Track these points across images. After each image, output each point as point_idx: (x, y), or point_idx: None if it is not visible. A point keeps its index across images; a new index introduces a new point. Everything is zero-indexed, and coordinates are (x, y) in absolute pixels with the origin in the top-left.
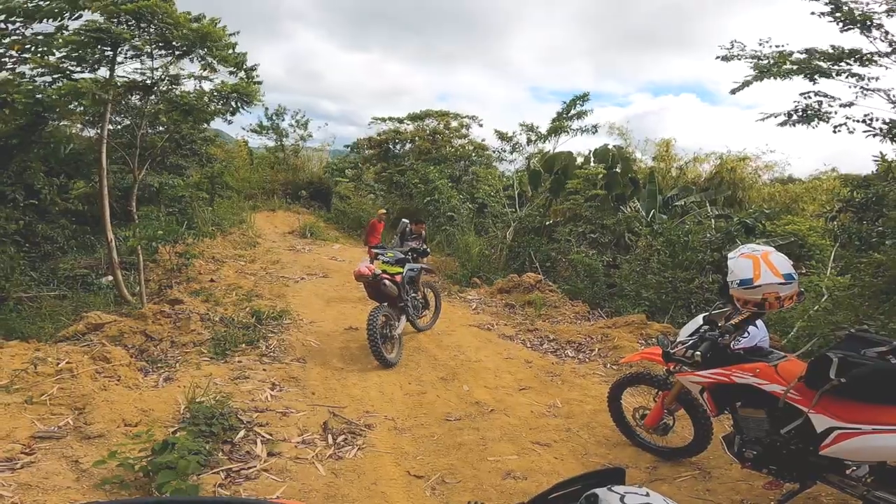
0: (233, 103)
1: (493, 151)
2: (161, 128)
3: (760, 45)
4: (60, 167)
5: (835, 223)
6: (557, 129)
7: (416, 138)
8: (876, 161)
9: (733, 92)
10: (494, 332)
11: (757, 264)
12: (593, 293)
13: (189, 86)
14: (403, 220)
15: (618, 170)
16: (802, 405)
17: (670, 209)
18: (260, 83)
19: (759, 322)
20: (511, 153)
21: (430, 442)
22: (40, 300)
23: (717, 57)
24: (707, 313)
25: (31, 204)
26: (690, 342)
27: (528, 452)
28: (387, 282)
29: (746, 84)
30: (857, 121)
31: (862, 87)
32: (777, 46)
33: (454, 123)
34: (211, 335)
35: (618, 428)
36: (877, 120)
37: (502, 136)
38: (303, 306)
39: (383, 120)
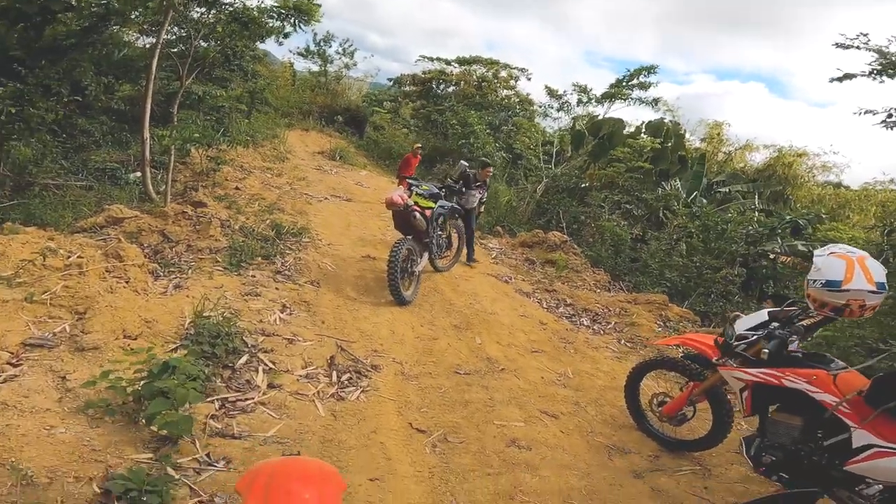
0: (292, 20)
1: (539, 106)
2: (214, 42)
3: (889, 41)
4: (110, 69)
5: (886, 237)
6: (614, 94)
7: (462, 82)
8: None
9: (839, 80)
10: (512, 285)
11: (851, 267)
12: (615, 264)
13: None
14: (463, 161)
15: (669, 145)
16: (851, 420)
17: (712, 194)
18: (319, 5)
19: None
20: (558, 111)
21: (436, 394)
22: (66, 189)
23: (835, 44)
24: (772, 309)
25: (74, 99)
26: (755, 337)
27: (535, 421)
28: (417, 214)
29: (851, 76)
30: None
31: None
32: None
33: (503, 73)
34: (229, 243)
35: (628, 410)
36: None
37: (552, 93)
38: (323, 226)
39: (431, 59)
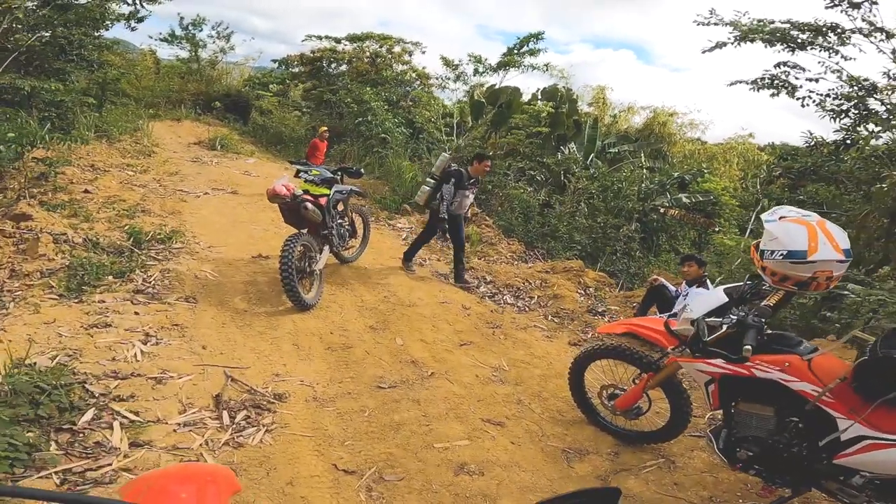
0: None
1: (437, 78)
2: (45, 31)
3: (737, 15)
4: None
5: (757, 187)
6: (508, 63)
7: (354, 59)
8: (804, 136)
9: (706, 52)
10: (427, 268)
11: (813, 234)
12: (527, 231)
13: None
14: (444, 153)
15: (564, 110)
16: (836, 410)
17: (604, 155)
18: None
19: (709, 283)
20: (455, 82)
21: (360, 420)
22: None
23: (695, 22)
24: (726, 286)
25: None
26: (724, 327)
27: (480, 435)
28: (309, 205)
29: (722, 45)
30: (821, 95)
31: (827, 66)
32: (755, 18)
33: (396, 48)
34: (68, 262)
35: (577, 405)
36: (828, 97)
37: (448, 63)
38: (202, 226)
39: (319, 38)
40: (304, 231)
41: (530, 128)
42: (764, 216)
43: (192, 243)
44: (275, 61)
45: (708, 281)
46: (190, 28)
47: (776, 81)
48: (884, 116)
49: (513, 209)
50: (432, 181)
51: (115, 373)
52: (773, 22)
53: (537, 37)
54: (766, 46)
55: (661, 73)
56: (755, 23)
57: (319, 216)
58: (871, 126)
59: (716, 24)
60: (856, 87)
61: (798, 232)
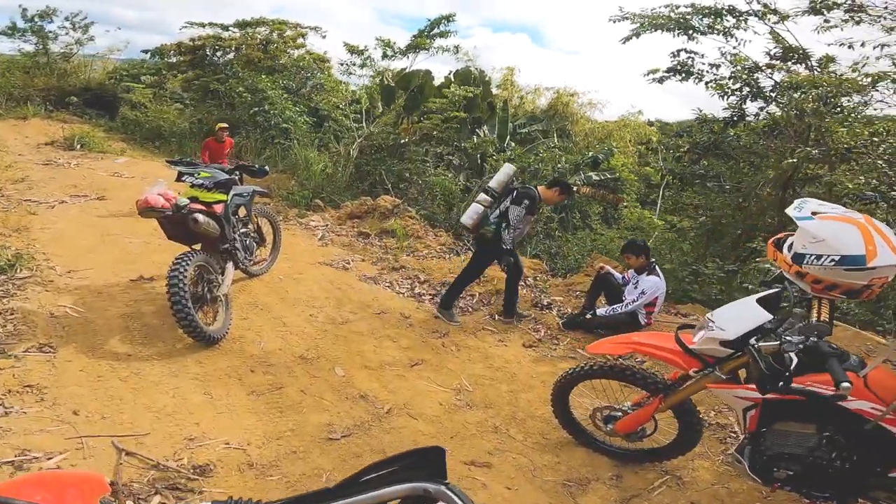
0: None
1: (342, 64)
2: None
3: (643, 9)
4: None
5: (660, 163)
6: (418, 45)
7: (243, 46)
8: (694, 112)
9: (623, 42)
10: (353, 272)
11: (868, 236)
12: (449, 219)
13: None
14: (508, 164)
15: (478, 93)
16: None
17: (515, 136)
18: None
19: (658, 270)
20: (361, 67)
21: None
22: None
23: (610, 19)
24: (757, 295)
25: None
26: (789, 355)
27: (470, 484)
28: (200, 216)
29: (636, 35)
30: (723, 78)
31: (725, 51)
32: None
33: (290, 33)
34: None
35: (564, 428)
36: (729, 79)
37: (353, 50)
38: (57, 244)
39: (202, 25)
40: (198, 248)
41: (448, 112)
42: (792, 212)
43: (44, 269)
44: (146, 51)
45: (657, 267)
46: (36, 20)
47: (684, 68)
48: (768, 93)
49: (434, 197)
50: (488, 198)
51: None
52: (678, 7)
53: (448, 18)
54: (673, 35)
55: (555, 56)
56: (663, 10)
57: (216, 229)
58: (758, 102)
59: (627, 18)
60: (740, 68)
61: (850, 234)
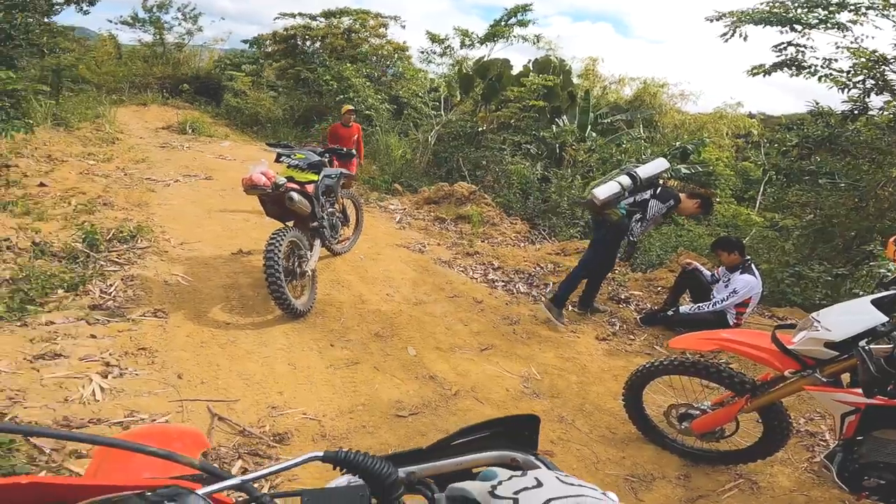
0: None
1: (422, 52)
2: None
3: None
4: None
5: (762, 158)
6: (496, 34)
7: (329, 36)
8: (808, 105)
9: (725, 39)
10: (428, 255)
11: None
12: (525, 207)
13: None
14: (662, 160)
15: (558, 82)
16: None
17: (597, 126)
18: None
19: (754, 268)
20: (441, 56)
21: None
22: None
23: (706, 19)
24: (872, 296)
25: None
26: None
27: None
28: (295, 195)
29: (732, 31)
30: (838, 71)
31: (839, 45)
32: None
33: (372, 23)
34: (10, 275)
35: (634, 423)
36: (846, 73)
37: (434, 38)
38: (172, 219)
39: (292, 15)
40: (291, 224)
41: (526, 101)
42: None
43: (160, 240)
44: (245, 41)
45: (753, 266)
46: (154, 10)
47: (794, 63)
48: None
49: (510, 185)
50: (630, 183)
51: (67, 420)
52: (783, 2)
53: (525, 8)
54: (780, 31)
55: (639, 45)
56: (765, 6)
57: (308, 207)
58: (884, 96)
59: (724, 16)
60: (864, 59)
61: None
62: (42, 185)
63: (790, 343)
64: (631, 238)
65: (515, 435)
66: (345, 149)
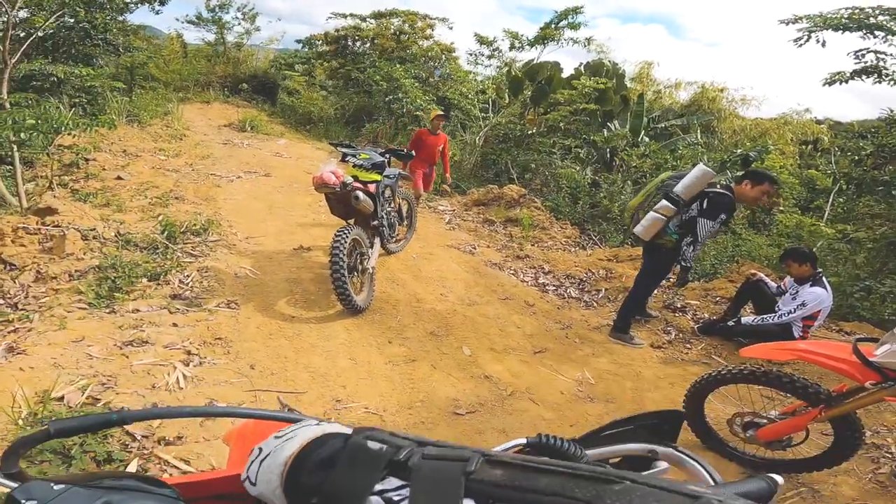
0: None
1: (470, 54)
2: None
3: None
4: None
5: (855, 166)
6: (546, 37)
7: (379, 37)
8: (883, 112)
9: (798, 45)
10: (478, 257)
11: None
12: (574, 212)
13: None
14: (703, 167)
15: (611, 86)
16: None
17: (651, 131)
18: None
19: (825, 281)
20: (489, 58)
21: None
22: None
23: (781, 21)
24: None
25: None
26: None
27: None
28: (361, 194)
29: (808, 36)
30: None
31: None
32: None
33: (420, 24)
34: (98, 262)
35: (693, 432)
36: None
37: (483, 40)
38: (237, 214)
39: (344, 16)
40: (353, 222)
41: (577, 104)
42: None
43: (228, 234)
44: (298, 41)
45: (824, 278)
46: (216, 10)
47: (875, 70)
48: None
49: (560, 189)
50: (671, 207)
51: (156, 406)
52: (864, 9)
53: (576, 10)
54: (862, 36)
55: (694, 48)
56: (846, 11)
57: (371, 206)
58: None
59: (800, 20)
60: None
61: None
62: (119, 178)
63: (872, 355)
64: (683, 263)
65: (657, 429)
66: (404, 149)
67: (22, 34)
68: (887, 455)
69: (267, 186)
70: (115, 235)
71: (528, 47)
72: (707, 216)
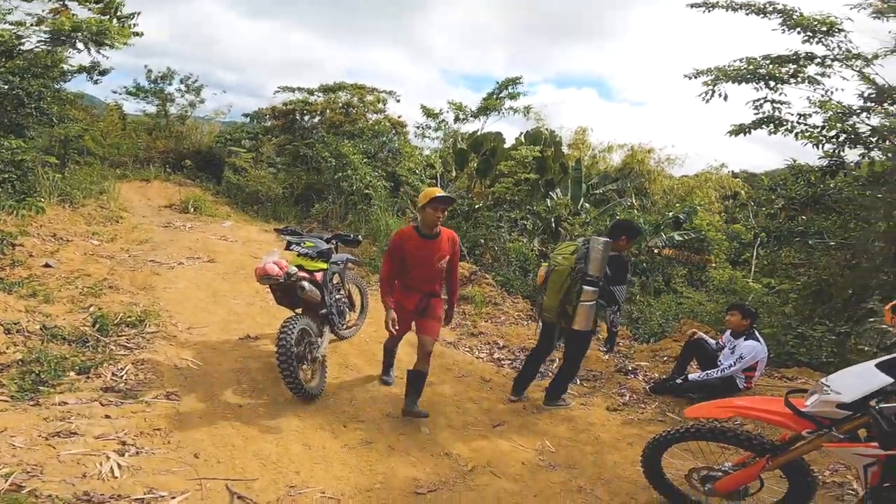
0: (79, 45)
1: (417, 127)
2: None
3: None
4: None
5: (752, 221)
6: (489, 107)
7: (327, 111)
8: (787, 161)
9: (704, 99)
10: None
11: None
12: (525, 285)
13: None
14: (599, 239)
15: (549, 154)
16: None
17: (590, 197)
18: (138, 33)
19: (758, 335)
20: (436, 130)
21: None
22: None
23: (685, 76)
24: (877, 360)
25: None
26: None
27: None
28: (306, 284)
29: (712, 90)
30: (816, 127)
31: (812, 100)
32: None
33: (369, 97)
34: (22, 356)
35: (657, 490)
36: (821, 128)
37: (429, 113)
38: (178, 303)
39: (292, 90)
40: (300, 312)
41: (518, 174)
42: None
43: (168, 325)
44: (246, 115)
45: (756, 332)
46: (159, 81)
47: (772, 120)
48: (867, 138)
49: (509, 263)
50: (594, 290)
51: (87, 495)
52: (754, 59)
53: (515, 81)
54: (756, 88)
55: (621, 109)
56: (740, 63)
57: (318, 296)
58: (858, 149)
59: (702, 74)
60: (832, 115)
61: None
62: (47, 265)
63: (803, 406)
64: (613, 330)
65: None
66: (351, 234)
67: None
68: (850, 492)
69: (211, 273)
70: (41, 329)
71: (472, 118)
72: (619, 282)
